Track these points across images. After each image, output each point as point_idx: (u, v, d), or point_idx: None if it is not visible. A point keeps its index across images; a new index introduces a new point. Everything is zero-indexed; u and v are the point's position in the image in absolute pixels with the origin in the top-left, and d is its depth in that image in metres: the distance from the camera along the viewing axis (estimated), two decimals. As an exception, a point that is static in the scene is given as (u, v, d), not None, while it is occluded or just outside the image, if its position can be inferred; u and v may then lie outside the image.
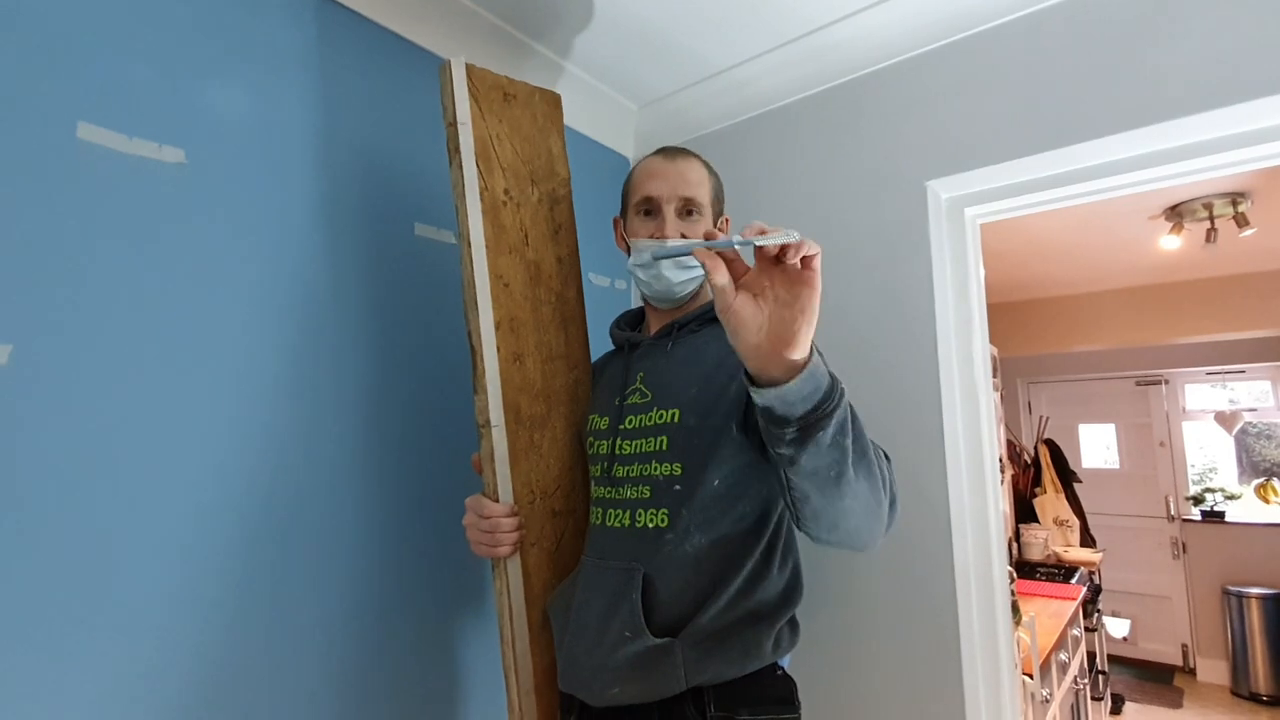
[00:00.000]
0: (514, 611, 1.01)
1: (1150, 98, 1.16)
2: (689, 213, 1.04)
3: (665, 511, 0.92)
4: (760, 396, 0.68)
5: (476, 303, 1.02)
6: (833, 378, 0.69)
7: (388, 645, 1.12)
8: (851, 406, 0.72)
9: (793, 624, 0.96)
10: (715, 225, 1.08)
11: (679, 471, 0.92)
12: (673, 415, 0.95)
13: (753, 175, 1.67)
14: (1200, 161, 1.21)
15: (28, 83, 0.82)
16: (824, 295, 1.52)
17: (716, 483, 0.91)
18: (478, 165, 1.05)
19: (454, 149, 1.03)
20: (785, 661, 0.96)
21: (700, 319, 1.04)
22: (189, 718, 0.89)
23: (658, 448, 0.94)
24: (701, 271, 1.03)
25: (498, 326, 1.04)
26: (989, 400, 1.37)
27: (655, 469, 0.94)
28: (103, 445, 0.84)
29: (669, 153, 1.08)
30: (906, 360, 1.38)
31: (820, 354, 0.70)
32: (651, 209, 1.05)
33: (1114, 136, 1.19)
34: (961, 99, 1.36)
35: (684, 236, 1.02)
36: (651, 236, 1.03)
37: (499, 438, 1.01)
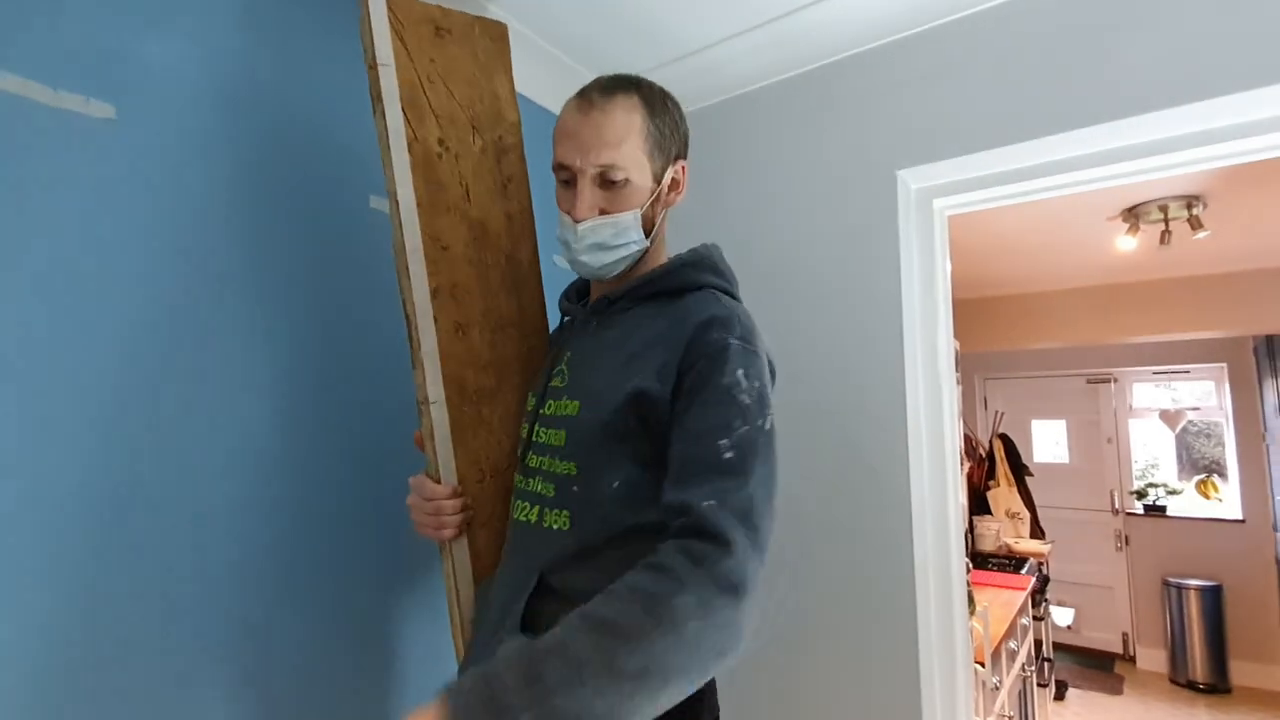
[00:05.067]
0: (461, 596, 0.97)
1: (1117, 93, 1.17)
2: (611, 182, 0.84)
3: (567, 513, 0.82)
4: None
5: (409, 269, 0.92)
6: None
7: (324, 619, 1.08)
8: (537, 653, 0.61)
9: None
10: (664, 176, 0.88)
11: (574, 471, 0.83)
12: (574, 408, 0.85)
13: (721, 162, 1.64)
14: (1163, 159, 1.22)
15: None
16: (791, 284, 1.48)
17: (616, 484, 0.80)
18: (404, 113, 0.94)
19: (376, 95, 0.92)
20: None
21: (633, 294, 0.89)
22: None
23: (558, 442, 0.85)
24: (635, 247, 0.88)
25: (435, 294, 0.95)
26: (952, 393, 1.37)
27: (557, 465, 0.85)
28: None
29: (585, 99, 0.86)
30: (872, 351, 1.37)
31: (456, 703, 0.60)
32: (568, 179, 0.87)
33: (1081, 130, 1.20)
34: (933, 88, 1.35)
35: (603, 213, 0.85)
36: (568, 213, 0.86)
37: (439, 415, 0.94)
